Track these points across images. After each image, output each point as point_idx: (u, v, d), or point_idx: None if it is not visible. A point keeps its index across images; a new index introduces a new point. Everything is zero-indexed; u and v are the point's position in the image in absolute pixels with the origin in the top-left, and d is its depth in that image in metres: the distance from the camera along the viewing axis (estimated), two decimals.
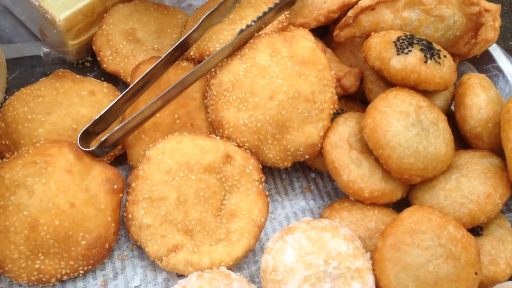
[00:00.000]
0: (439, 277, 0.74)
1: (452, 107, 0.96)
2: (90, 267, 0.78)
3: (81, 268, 0.78)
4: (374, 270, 0.76)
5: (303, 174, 0.97)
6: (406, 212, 0.78)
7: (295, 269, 0.74)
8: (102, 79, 0.95)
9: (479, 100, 0.89)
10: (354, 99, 1.02)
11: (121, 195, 0.81)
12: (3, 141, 0.86)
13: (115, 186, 0.80)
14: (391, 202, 0.87)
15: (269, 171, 0.95)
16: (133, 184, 0.82)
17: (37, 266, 0.75)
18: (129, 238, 0.85)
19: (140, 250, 0.84)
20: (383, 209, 0.87)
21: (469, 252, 0.76)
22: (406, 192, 0.88)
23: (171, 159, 0.81)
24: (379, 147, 0.82)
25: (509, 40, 1.66)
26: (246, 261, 0.85)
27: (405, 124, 0.82)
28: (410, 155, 0.81)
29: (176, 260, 0.80)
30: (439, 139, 0.84)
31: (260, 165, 0.85)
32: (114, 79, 0.98)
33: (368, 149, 0.86)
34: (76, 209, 0.76)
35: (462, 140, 0.93)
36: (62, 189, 0.75)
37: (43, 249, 0.75)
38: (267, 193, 0.85)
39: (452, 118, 0.93)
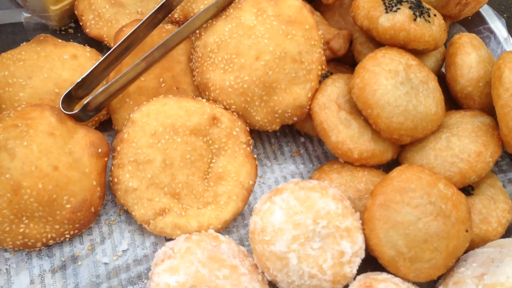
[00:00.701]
0: (429, 234, 0.73)
1: (443, 69, 0.95)
2: (76, 231, 0.77)
3: (67, 232, 0.76)
4: (363, 229, 0.76)
5: (292, 138, 0.95)
6: (396, 171, 0.77)
7: (284, 229, 0.73)
8: (86, 45, 0.93)
9: (470, 59, 0.87)
10: (344, 63, 1.00)
11: (106, 159, 0.79)
12: None
13: (100, 150, 0.79)
14: (381, 163, 0.86)
15: (258, 136, 0.94)
16: (118, 148, 0.80)
17: (21, 230, 0.74)
18: (116, 203, 0.83)
19: (127, 215, 0.83)
20: (373, 170, 0.86)
21: (459, 210, 0.75)
22: (396, 153, 0.87)
23: (156, 122, 0.79)
24: (368, 106, 0.80)
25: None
26: (235, 225, 0.84)
27: (394, 83, 0.80)
28: (400, 114, 0.80)
29: (163, 224, 0.79)
30: (429, 98, 0.83)
31: (248, 128, 0.84)
32: (98, 45, 0.96)
33: (357, 110, 0.84)
34: (59, 172, 0.74)
35: (452, 102, 0.92)
36: (44, 152, 0.74)
37: (27, 212, 0.73)
38: (255, 156, 0.83)
39: (443, 80, 0.92)
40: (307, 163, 0.93)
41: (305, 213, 0.73)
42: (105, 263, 0.78)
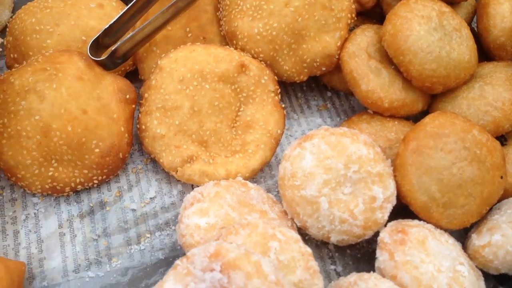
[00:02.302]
0: (463, 179, 0.72)
1: (474, 25, 0.93)
2: (104, 177, 0.77)
3: (95, 177, 0.76)
4: (395, 176, 0.74)
5: (319, 93, 0.94)
6: (429, 118, 0.76)
7: (315, 173, 0.71)
8: None
9: (503, 8, 0.85)
10: (370, 18, 0.98)
11: (133, 105, 0.79)
12: (12, 55, 0.83)
13: (127, 96, 0.78)
14: (411, 114, 0.84)
15: (284, 90, 0.93)
16: (146, 95, 0.79)
17: (50, 173, 0.73)
18: (142, 153, 0.83)
19: (154, 164, 0.82)
20: (403, 121, 0.84)
21: (494, 156, 0.74)
22: (427, 104, 0.85)
23: (184, 68, 0.78)
24: (400, 53, 0.79)
25: None
26: (263, 175, 0.83)
27: (427, 29, 0.78)
28: (433, 60, 0.78)
29: (191, 171, 0.78)
30: (462, 45, 0.81)
31: (276, 77, 0.83)
32: None
33: (387, 59, 0.82)
34: (88, 116, 0.73)
35: (484, 55, 0.90)
36: (73, 96, 0.73)
37: (56, 155, 0.73)
38: (283, 105, 0.82)
39: (473, 34, 0.89)
40: (334, 117, 0.91)
41: (336, 158, 0.72)
42: (133, 210, 0.77)
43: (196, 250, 0.54)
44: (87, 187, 0.77)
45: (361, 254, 0.78)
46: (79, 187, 0.76)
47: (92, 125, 0.74)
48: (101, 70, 0.78)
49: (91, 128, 0.74)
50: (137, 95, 0.81)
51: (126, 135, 0.77)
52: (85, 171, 0.75)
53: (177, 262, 0.54)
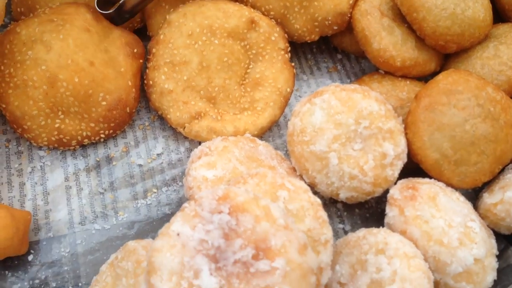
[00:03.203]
0: (476, 136, 0.70)
1: None
2: (111, 131, 0.76)
3: (102, 131, 0.75)
4: (406, 133, 0.73)
5: (329, 55, 0.92)
6: (442, 75, 0.74)
7: (324, 128, 0.70)
8: None
9: None
10: None
11: (141, 60, 0.78)
12: (18, 9, 0.82)
13: (135, 50, 0.77)
14: (423, 74, 0.82)
15: (294, 51, 0.91)
16: (154, 50, 0.78)
17: (57, 125, 0.73)
18: (150, 109, 0.82)
19: (161, 121, 0.81)
20: (415, 81, 0.83)
21: (508, 114, 0.72)
22: (440, 65, 0.83)
23: (193, 22, 0.77)
24: (414, 9, 0.77)
25: None
26: (271, 134, 0.82)
27: None
28: (447, 17, 0.76)
29: (199, 127, 0.77)
30: (478, 3, 0.79)
31: (286, 35, 0.81)
32: None
33: (400, 17, 0.81)
34: (95, 68, 0.72)
35: (499, 16, 0.88)
36: (80, 47, 0.72)
37: (63, 107, 0.72)
38: (293, 64, 0.81)
39: None
40: (344, 79, 0.90)
41: (347, 113, 0.71)
42: (140, 165, 0.76)
43: (204, 193, 0.53)
44: (94, 141, 0.76)
45: (370, 213, 0.77)
46: (86, 141, 0.75)
47: (99, 77, 0.73)
48: (108, 23, 0.77)
49: (98, 81, 0.72)
50: (145, 49, 0.79)
51: (134, 89, 0.76)
52: (92, 125, 0.74)
53: (185, 204, 0.53)
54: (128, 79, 0.76)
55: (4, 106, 0.72)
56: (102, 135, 0.76)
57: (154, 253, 0.51)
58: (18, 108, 0.72)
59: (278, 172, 0.67)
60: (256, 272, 0.49)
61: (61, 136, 0.73)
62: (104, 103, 0.73)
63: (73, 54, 0.71)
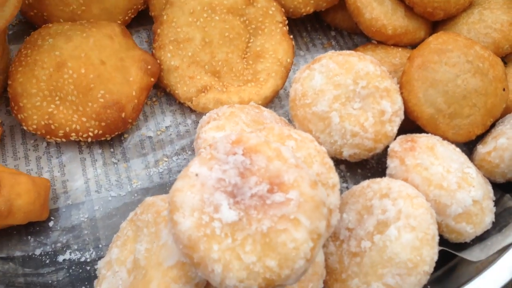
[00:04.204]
0: (467, 90, 0.75)
1: None
2: (100, 131, 0.75)
3: (91, 129, 0.75)
4: (402, 93, 0.77)
5: (323, 32, 0.97)
6: (432, 37, 0.79)
7: (325, 90, 0.74)
8: None
9: None
10: None
11: (152, 79, 0.80)
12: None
13: (149, 67, 0.79)
14: (414, 42, 0.87)
15: (289, 30, 0.94)
16: (158, 30, 0.82)
17: (50, 110, 0.74)
18: (156, 86, 0.85)
19: (167, 97, 0.85)
20: (406, 49, 0.87)
21: (496, 69, 0.77)
22: (428, 33, 0.88)
23: (194, 1, 0.81)
24: None
25: None
26: (273, 106, 0.86)
27: None
28: None
29: (206, 100, 0.81)
30: None
31: (283, 9, 0.86)
32: None
33: None
34: (105, 68, 0.75)
35: None
36: (98, 47, 0.76)
37: (62, 93, 0.74)
38: (291, 36, 0.85)
39: None
40: None
41: (345, 75, 0.75)
42: (149, 137, 0.80)
43: (219, 138, 0.57)
44: (80, 138, 0.75)
45: (371, 173, 0.81)
46: (73, 135, 0.75)
47: (105, 76, 0.75)
48: (134, 43, 0.81)
49: (103, 79, 0.75)
50: (160, 71, 0.81)
51: (136, 101, 0.77)
52: (84, 119, 0.75)
53: (201, 150, 0.56)
54: (134, 89, 0.77)
55: (10, 82, 0.75)
56: (90, 133, 0.75)
57: (175, 193, 0.54)
58: (21, 84, 0.74)
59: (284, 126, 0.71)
60: (272, 203, 0.52)
61: (51, 122, 0.74)
62: (101, 100, 0.75)
63: (89, 50, 0.75)
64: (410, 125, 0.78)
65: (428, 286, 0.65)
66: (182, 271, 0.56)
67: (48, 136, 0.75)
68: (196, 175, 0.55)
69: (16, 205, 0.64)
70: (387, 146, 0.76)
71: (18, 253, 0.67)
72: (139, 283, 0.57)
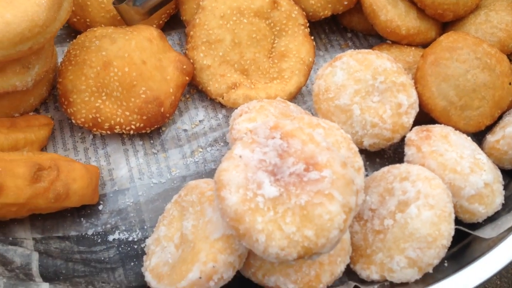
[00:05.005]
0: (477, 84, 0.82)
1: None
2: (141, 125, 0.82)
3: (134, 122, 0.82)
4: (416, 87, 0.84)
5: (339, 34, 1.04)
6: (443, 36, 0.86)
7: (346, 85, 0.81)
8: None
9: None
10: None
11: (187, 78, 0.86)
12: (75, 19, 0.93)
13: (184, 67, 0.86)
14: (425, 42, 0.94)
15: (309, 32, 1.03)
16: (191, 33, 0.89)
17: (97, 104, 0.81)
18: (188, 85, 0.92)
19: (199, 94, 0.92)
20: (418, 48, 0.95)
21: (502, 65, 0.84)
22: (439, 34, 0.95)
23: (224, 5, 0.89)
24: None
25: None
26: (296, 101, 0.93)
27: None
28: None
29: (236, 95, 0.88)
30: None
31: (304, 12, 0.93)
32: None
33: None
34: (146, 67, 0.82)
35: None
36: (139, 48, 0.83)
37: (108, 89, 0.81)
38: (312, 37, 0.93)
39: None
40: None
41: (365, 71, 0.82)
42: (185, 130, 0.87)
43: (258, 125, 0.64)
44: (123, 130, 0.82)
45: (389, 162, 0.87)
46: (117, 127, 0.82)
47: (146, 75, 0.82)
48: (169, 45, 0.88)
49: (144, 77, 0.82)
50: (193, 71, 0.88)
51: (173, 97, 0.84)
52: (127, 113, 0.82)
53: (242, 135, 0.63)
54: (171, 86, 0.84)
55: (60, 80, 0.82)
56: (133, 126, 0.82)
57: (221, 173, 0.61)
58: (71, 81, 0.81)
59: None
60: (309, 180, 0.59)
61: (98, 115, 0.81)
62: (143, 96, 0.82)
63: (131, 51, 0.82)
64: (424, 118, 0.85)
65: (445, 261, 0.72)
66: (227, 243, 0.63)
67: (94, 129, 0.82)
68: (240, 156, 0.62)
69: (72, 189, 0.71)
70: (404, 137, 0.83)
71: (73, 233, 0.74)
72: (188, 254, 0.64)
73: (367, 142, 0.82)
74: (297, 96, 0.94)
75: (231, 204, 0.59)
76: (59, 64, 0.85)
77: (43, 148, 0.81)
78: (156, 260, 0.68)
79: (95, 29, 0.86)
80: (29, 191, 0.67)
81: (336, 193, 0.59)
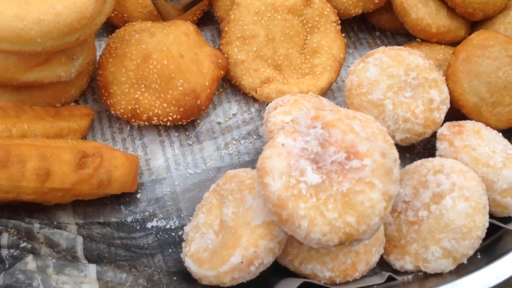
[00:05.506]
0: (508, 81, 0.83)
1: None
2: (178, 116, 0.84)
3: (171, 114, 0.84)
4: (447, 84, 0.85)
5: (368, 33, 1.06)
6: (474, 34, 0.87)
7: (379, 80, 0.83)
8: None
9: None
10: None
11: (222, 72, 0.89)
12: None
13: (219, 61, 0.88)
14: (455, 40, 0.96)
15: None
16: (226, 28, 0.92)
17: (136, 96, 0.83)
18: (221, 79, 0.94)
19: (232, 88, 0.94)
20: (448, 46, 0.96)
21: None
22: (468, 32, 0.97)
23: (258, 2, 0.91)
24: None
25: None
26: (326, 97, 0.95)
27: None
28: None
29: (269, 90, 0.90)
30: None
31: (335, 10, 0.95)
32: None
33: None
34: (183, 60, 0.84)
35: None
36: (177, 42, 0.85)
37: (147, 81, 0.83)
38: (344, 34, 0.94)
39: None
40: None
41: (397, 66, 0.83)
42: (219, 123, 0.89)
43: (299, 115, 0.66)
44: (161, 122, 0.85)
45: (418, 157, 0.88)
46: (155, 119, 0.84)
47: (184, 68, 0.84)
48: (204, 40, 0.90)
49: (182, 70, 0.84)
50: (227, 66, 0.90)
51: (208, 90, 0.87)
52: (165, 105, 0.84)
53: (284, 124, 0.65)
54: (207, 80, 0.87)
55: (101, 72, 0.84)
56: (170, 118, 0.84)
57: (264, 160, 0.63)
58: (111, 73, 0.84)
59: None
60: (350, 168, 0.61)
61: (137, 106, 0.83)
62: (180, 88, 0.84)
63: (170, 44, 0.85)
64: (453, 115, 0.87)
65: (478, 254, 0.73)
66: (267, 230, 0.64)
67: (133, 120, 0.84)
68: (283, 145, 0.64)
69: (114, 176, 0.73)
70: (434, 132, 0.84)
71: (113, 219, 0.76)
72: (229, 240, 0.66)
73: (398, 137, 0.83)
74: (327, 92, 0.96)
75: (274, 190, 0.61)
76: (98, 57, 0.88)
77: (83, 138, 0.83)
78: (196, 246, 0.70)
79: (134, 23, 0.88)
80: (74, 177, 0.69)
81: (377, 181, 0.60)
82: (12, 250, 0.61)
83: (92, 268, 0.62)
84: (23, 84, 0.75)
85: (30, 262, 0.60)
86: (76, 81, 0.83)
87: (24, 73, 0.73)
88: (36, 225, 0.67)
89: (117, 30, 0.88)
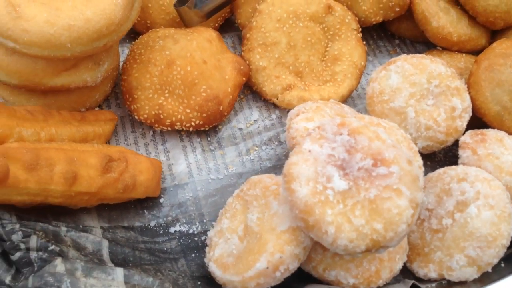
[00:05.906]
0: None
1: None
2: (201, 122, 0.85)
3: (194, 119, 0.84)
4: (469, 92, 0.86)
5: (387, 41, 1.06)
6: (496, 43, 0.88)
7: (401, 88, 0.83)
8: None
9: None
10: None
11: (244, 78, 0.89)
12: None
13: (242, 67, 0.89)
14: (475, 49, 0.96)
15: None
16: (248, 35, 0.92)
17: (160, 101, 0.84)
18: (244, 85, 0.95)
19: (253, 95, 0.94)
20: (469, 55, 0.96)
21: None
22: (489, 41, 0.97)
23: (280, 9, 0.91)
24: None
25: None
26: (346, 105, 0.95)
27: None
28: None
29: (290, 96, 0.90)
30: None
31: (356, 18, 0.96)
32: None
33: (454, 0, 0.95)
34: (206, 66, 0.85)
35: None
36: (200, 48, 0.86)
37: (170, 87, 0.84)
38: (364, 42, 0.95)
39: None
40: None
41: (419, 74, 0.84)
42: (240, 129, 0.90)
43: (325, 121, 0.66)
44: (183, 127, 0.85)
45: (439, 165, 0.88)
46: (178, 124, 0.85)
47: (207, 74, 0.85)
48: (226, 47, 0.91)
49: (205, 76, 0.85)
50: (249, 72, 0.91)
51: (231, 96, 0.87)
52: (188, 110, 0.84)
53: (310, 131, 0.66)
54: (229, 86, 0.87)
55: (125, 77, 0.85)
56: (193, 123, 0.85)
57: (291, 166, 0.63)
58: (136, 78, 0.84)
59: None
60: (377, 175, 0.61)
61: (160, 111, 0.84)
62: (203, 94, 0.85)
63: (193, 51, 0.85)
64: (475, 123, 0.87)
65: (502, 262, 0.73)
66: (293, 235, 0.65)
67: (156, 125, 0.85)
68: (309, 151, 0.64)
69: (138, 181, 0.74)
70: (456, 140, 0.84)
71: (137, 224, 0.76)
72: (254, 245, 0.66)
73: (420, 145, 0.83)
74: (348, 99, 0.96)
75: (301, 196, 0.61)
76: (122, 62, 0.89)
77: (107, 142, 0.84)
78: (220, 251, 0.70)
79: (157, 30, 0.89)
80: (100, 180, 0.70)
81: (404, 188, 0.61)
82: (41, 253, 0.62)
83: (120, 272, 0.63)
84: (51, 88, 0.76)
85: (59, 265, 0.61)
86: (100, 86, 0.84)
87: (52, 78, 0.74)
88: (63, 228, 0.68)
89: (140, 36, 0.89)
